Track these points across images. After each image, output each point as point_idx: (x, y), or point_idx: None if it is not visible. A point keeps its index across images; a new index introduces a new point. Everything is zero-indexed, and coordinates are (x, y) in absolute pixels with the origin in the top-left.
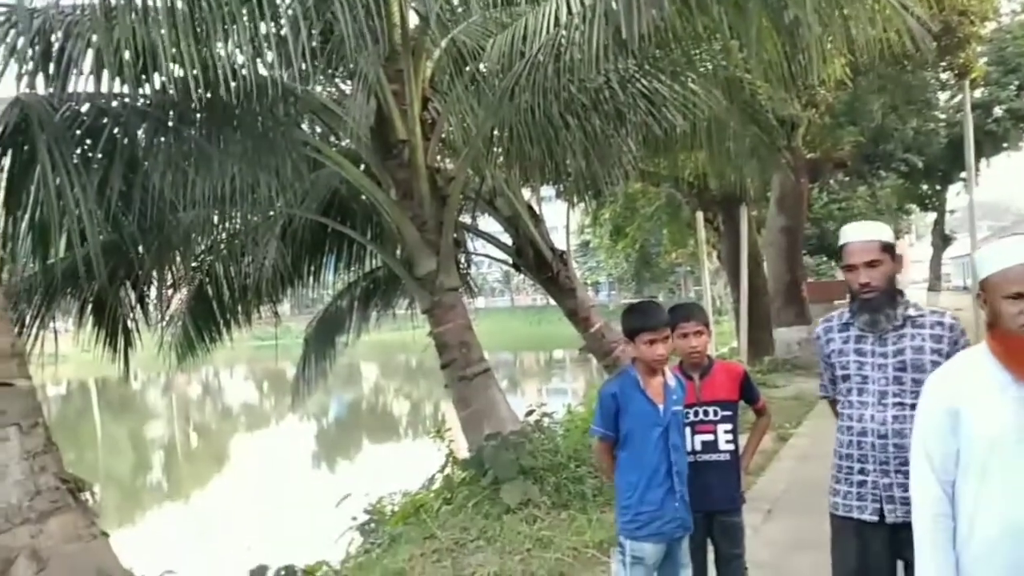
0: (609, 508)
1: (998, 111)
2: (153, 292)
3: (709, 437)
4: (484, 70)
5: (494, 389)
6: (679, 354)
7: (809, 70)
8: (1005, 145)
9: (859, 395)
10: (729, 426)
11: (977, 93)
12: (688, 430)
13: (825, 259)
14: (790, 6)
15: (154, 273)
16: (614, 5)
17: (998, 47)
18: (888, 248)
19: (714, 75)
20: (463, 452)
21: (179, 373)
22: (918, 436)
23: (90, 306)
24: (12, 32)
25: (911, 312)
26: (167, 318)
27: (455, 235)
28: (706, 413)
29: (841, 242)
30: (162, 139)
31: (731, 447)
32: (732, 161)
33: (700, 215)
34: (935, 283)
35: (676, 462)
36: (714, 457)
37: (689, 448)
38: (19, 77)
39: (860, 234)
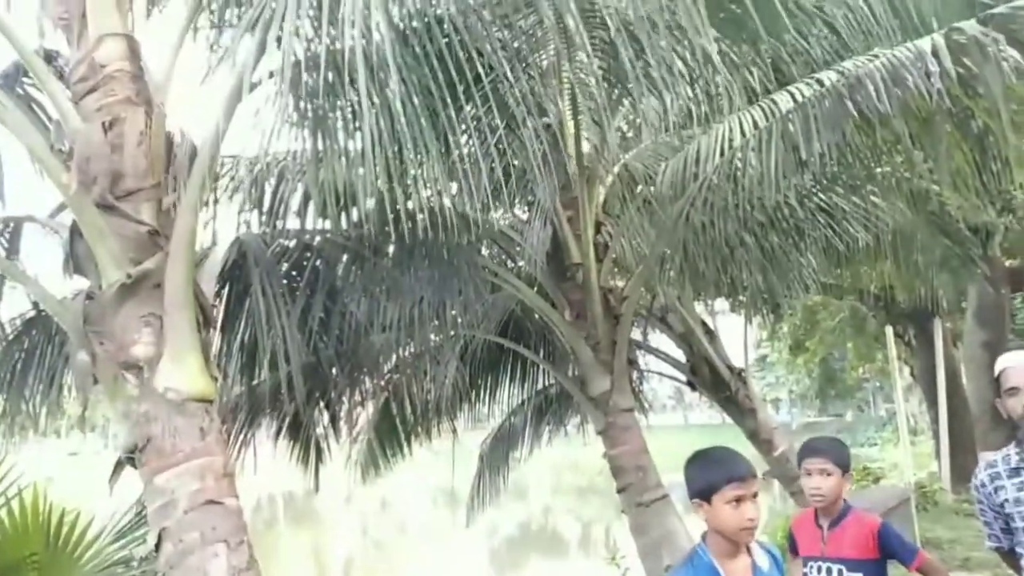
0: None
1: None
2: (343, 410)
3: None
4: (656, 193)
5: (672, 516)
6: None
7: (1003, 177)
8: None
9: None
10: None
11: None
12: None
13: None
14: (977, 116)
15: (345, 392)
16: (791, 127)
17: None
18: None
19: (896, 187)
20: None
21: (360, 485)
22: None
23: (286, 424)
24: (233, 180)
25: None
26: (355, 435)
27: (628, 354)
28: (829, 572)
29: (997, 369)
30: (358, 269)
31: None
32: (921, 273)
33: (889, 330)
34: None
35: None
36: None
37: None
38: (240, 213)
39: (1020, 358)
